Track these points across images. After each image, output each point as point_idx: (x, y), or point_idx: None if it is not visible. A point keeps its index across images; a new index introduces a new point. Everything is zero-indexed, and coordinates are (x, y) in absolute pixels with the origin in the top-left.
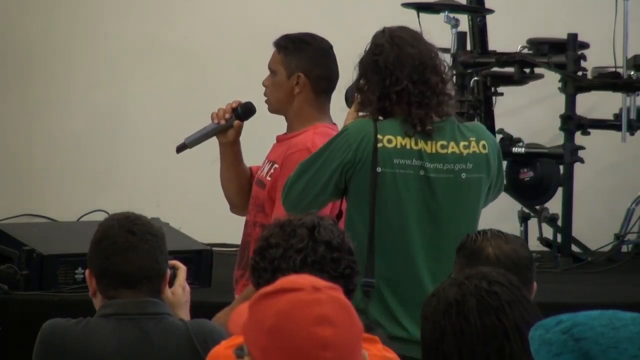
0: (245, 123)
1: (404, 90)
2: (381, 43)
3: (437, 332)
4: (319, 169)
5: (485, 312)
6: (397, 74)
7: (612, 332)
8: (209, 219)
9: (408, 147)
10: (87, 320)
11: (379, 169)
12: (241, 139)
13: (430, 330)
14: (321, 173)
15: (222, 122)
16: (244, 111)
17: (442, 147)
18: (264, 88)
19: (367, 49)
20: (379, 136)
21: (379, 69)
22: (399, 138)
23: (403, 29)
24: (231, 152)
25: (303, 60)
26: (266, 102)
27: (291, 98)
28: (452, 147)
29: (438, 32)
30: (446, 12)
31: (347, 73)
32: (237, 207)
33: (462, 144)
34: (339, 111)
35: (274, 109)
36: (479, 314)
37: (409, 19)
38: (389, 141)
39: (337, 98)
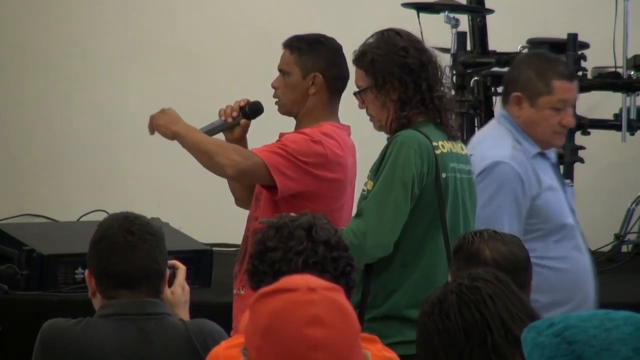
0: (254, 120)
1: (443, 95)
2: (405, 46)
3: (425, 333)
4: (398, 191)
5: (466, 306)
6: (431, 78)
7: (605, 334)
8: (209, 219)
9: (454, 151)
10: (87, 320)
11: (443, 175)
12: (249, 135)
13: (419, 332)
14: (402, 193)
15: (229, 119)
16: (252, 110)
17: (462, 148)
18: (272, 90)
19: (380, 52)
20: (434, 143)
21: (411, 71)
22: (446, 143)
23: (408, 32)
24: None
25: (319, 60)
26: (277, 103)
27: (305, 98)
28: (463, 149)
29: (438, 32)
30: (446, 12)
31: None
32: (242, 200)
33: (461, 144)
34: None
35: (286, 110)
36: (459, 309)
37: (409, 19)
38: (442, 146)
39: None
